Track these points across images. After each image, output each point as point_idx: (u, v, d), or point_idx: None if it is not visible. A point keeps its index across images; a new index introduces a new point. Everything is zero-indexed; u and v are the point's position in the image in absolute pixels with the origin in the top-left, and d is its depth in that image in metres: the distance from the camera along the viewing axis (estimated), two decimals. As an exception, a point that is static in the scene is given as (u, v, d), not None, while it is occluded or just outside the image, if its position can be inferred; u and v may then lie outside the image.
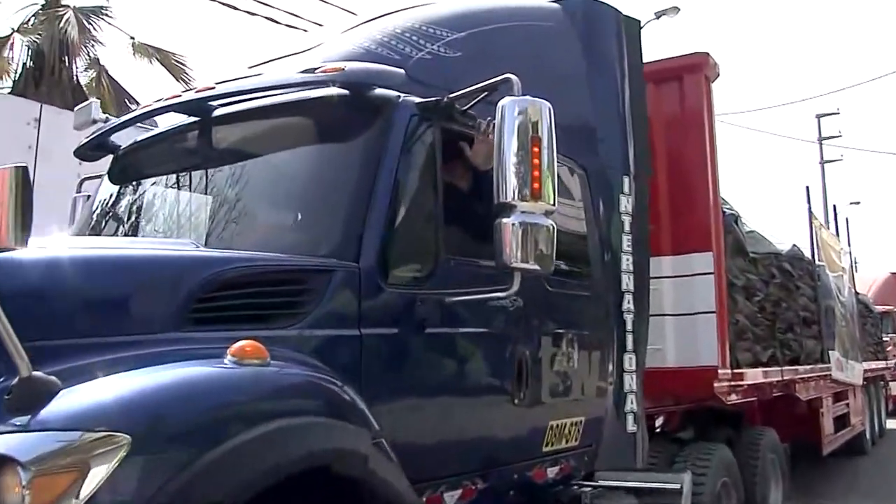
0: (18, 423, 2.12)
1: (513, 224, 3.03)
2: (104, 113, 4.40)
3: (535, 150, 3.07)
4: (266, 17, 10.51)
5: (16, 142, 7.44)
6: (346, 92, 3.35)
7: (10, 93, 12.60)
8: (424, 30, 3.94)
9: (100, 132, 4.21)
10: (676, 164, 5.86)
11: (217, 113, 3.74)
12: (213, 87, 3.70)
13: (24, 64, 13.92)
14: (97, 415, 2.14)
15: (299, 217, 3.41)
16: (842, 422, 10.15)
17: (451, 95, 3.46)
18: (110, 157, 4.36)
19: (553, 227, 3.13)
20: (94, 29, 14.75)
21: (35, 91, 12.72)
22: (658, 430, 6.45)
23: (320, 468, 2.51)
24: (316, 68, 3.39)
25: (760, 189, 37.81)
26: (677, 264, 5.73)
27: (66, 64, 13.95)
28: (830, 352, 8.65)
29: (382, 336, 3.16)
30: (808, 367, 8.03)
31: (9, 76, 13.69)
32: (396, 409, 3.14)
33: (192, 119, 3.83)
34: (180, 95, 3.94)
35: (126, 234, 4.00)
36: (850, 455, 11.19)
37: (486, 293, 3.34)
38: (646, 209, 5.02)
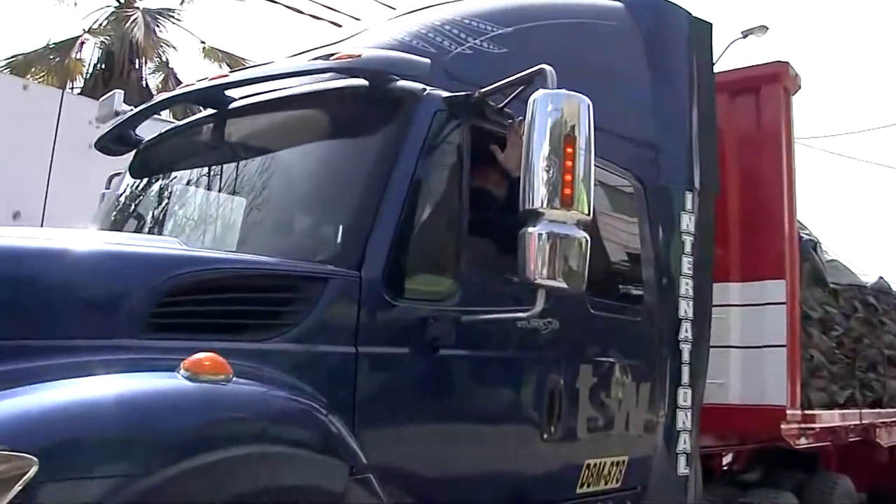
0: None
1: (539, 234, 2.67)
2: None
3: (569, 150, 2.69)
4: (331, 22, 10.39)
5: (80, 140, 7.43)
6: (362, 82, 3.05)
7: (79, 93, 12.73)
8: (467, 23, 3.66)
9: (117, 123, 4.03)
10: (749, 183, 5.47)
11: (232, 106, 3.51)
12: (227, 76, 3.45)
13: (95, 66, 14.10)
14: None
15: (300, 218, 3.10)
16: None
17: (483, 90, 3.12)
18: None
19: (586, 241, 2.75)
20: (162, 30, 14.96)
21: (104, 92, 12.81)
22: (724, 468, 6.04)
23: None
24: (331, 55, 3.09)
25: (843, 218, 36.26)
26: (746, 292, 5.35)
27: (136, 66, 14.11)
28: (917, 395, 7.99)
29: (385, 356, 2.82)
30: (891, 410, 7.41)
31: (81, 77, 13.90)
32: (398, 440, 2.80)
33: (207, 113, 3.63)
34: (194, 84, 3.71)
35: (135, 231, 3.77)
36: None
37: (506, 312, 2.97)
38: (711, 229, 4.66)
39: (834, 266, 6.96)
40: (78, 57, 13.98)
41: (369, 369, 2.74)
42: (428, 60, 3.20)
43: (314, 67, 3.19)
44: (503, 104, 3.20)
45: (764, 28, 18.09)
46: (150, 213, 3.82)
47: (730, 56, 16.40)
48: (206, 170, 3.62)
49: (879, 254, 29.11)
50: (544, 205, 2.68)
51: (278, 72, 3.38)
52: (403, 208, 2.92)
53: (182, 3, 15.85)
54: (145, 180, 4.00)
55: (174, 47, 15.01)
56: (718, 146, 4.91)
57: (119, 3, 14.92)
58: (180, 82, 15.07)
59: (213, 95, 3.57)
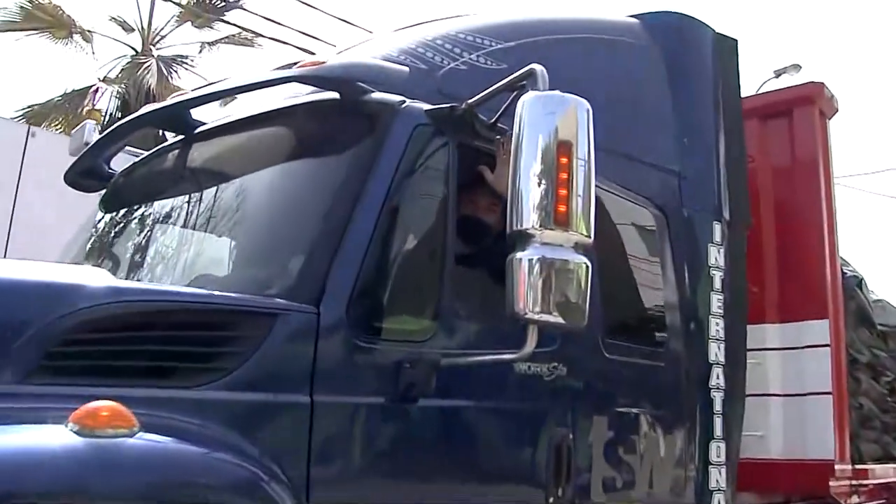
0: None
1: (530, 260, 2.28)
2: None
3: (564, 161, 2.32)
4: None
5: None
6: (335, 95, 2.70)
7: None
8: (462, 38, 3.40)
9: (81, 155, 3.77)
10: (785, 214, 5.10)
11: (199, 130, 3.30)
12: (187, 93, 3.17)
13: (111, 114, 14.22)
14: None
15: (256, 247, 2.75)
16: None
17: (470, 101, 2.76)
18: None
19: (587, 267, 2.36)
20: (175, 77, 15.16)
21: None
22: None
23: None
24: (293, 63, 2.76)
25: (888, 260, 35.36)
26: (785, 333, 4.95)
27: (150, 112, 14.34)
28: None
29: (348, 407, 2.43)
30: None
31: (98, 125, 14.01)
32: None
33: (172, 141, 3.44)
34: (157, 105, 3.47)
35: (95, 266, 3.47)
36: None
37: (492, 354, 2.56)
38: (743, 264, 4.32)
39: (881, 306, 6.60)
40: (97, 107, 14.11)
41: (328, 423, 2.35)
42: (406, 69, 2.89)
43: (277, 77, 2.91)
44: (495, 118, 2.84)
45: (797, 67, 17.72)
46: (110, 247, 3.55)
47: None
48: (169, 200, 3.35)
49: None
50: (536, 225, 2.30)
51: (241, 84, 3.11)
52: (373, 235, 2.55)
53: (200, 51, 16.18)
54: (111, 213, 3.75)
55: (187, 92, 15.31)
56: (750, 175, 4.61)
57: (135, 51, 15.16)
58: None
59: (178, 116, 3.32)
